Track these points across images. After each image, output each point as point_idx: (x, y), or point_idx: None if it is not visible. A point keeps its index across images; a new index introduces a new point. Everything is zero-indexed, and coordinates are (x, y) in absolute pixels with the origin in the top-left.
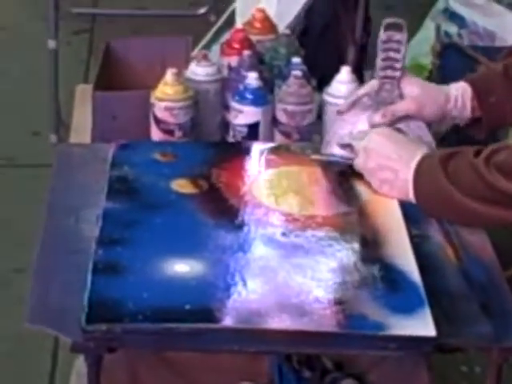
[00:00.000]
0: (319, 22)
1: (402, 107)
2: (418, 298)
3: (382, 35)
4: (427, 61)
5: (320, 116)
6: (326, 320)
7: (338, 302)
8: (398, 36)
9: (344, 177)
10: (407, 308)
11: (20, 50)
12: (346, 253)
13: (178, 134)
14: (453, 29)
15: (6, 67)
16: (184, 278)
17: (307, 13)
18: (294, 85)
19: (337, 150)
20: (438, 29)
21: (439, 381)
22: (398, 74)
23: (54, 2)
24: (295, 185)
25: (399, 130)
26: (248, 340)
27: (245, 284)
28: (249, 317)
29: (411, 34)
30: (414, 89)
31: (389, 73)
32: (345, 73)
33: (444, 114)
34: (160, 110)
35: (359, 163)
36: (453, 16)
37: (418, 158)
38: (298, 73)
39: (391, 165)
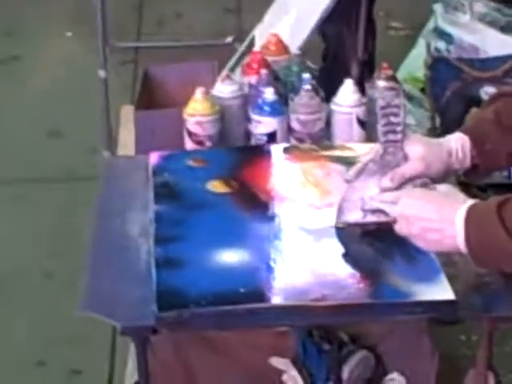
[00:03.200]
0: (333, 44)
1: (409, 169)
2: (434, 268)
3: (381, 101)
4: (421, 74)
5: (328, 123)
6: (360, 293)
7: (369, 276)
8: (396, 101)
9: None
10: (426, 277)
11: (77, 80)
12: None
13: (207, 144)
14: (441, 45)
15: (66, 95)
16: (234, 265)
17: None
18: (305, 97)
19: (353, 216)
20: (428, 45)
21: (440, 348)
22: (399, 136)
23: (103, 39)
24: (312, 178)
25: (426, 185)
26: (296, 316)
27: (286, 266)
28: (294, 295)
29: (408, 50)
30: (417, 149)
31: (391, 137)
32: (348, 84)
33: (448, 168)
34: (191, 124)
35: (402, 230)
36: (442, 34)
37: (461, 211)
38: (307, 86)
39: (435, 226)
